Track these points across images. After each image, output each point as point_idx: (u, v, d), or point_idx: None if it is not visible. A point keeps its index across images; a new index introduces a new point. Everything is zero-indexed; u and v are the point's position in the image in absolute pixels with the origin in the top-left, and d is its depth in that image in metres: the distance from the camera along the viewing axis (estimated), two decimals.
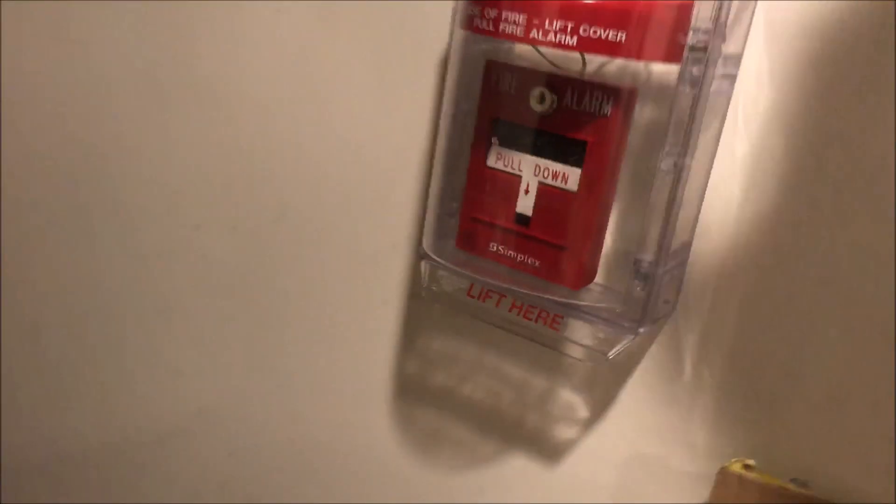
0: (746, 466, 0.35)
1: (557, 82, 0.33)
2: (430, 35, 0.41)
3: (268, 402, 0.54)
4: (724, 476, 0.36)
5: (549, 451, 0.43)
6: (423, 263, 0.39)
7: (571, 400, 0.42)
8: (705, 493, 0.39)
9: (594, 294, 0.35)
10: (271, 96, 0.47)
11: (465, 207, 0.37)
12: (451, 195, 0.38)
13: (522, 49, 0.35)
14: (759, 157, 0.34)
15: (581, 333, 0.36)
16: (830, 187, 0.33)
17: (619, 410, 0.41)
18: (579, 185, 0.33)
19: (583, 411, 0.42)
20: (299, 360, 0.52)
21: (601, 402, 0.41)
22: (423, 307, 0.46)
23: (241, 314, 0.53)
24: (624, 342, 0.35)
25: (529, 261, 0.35)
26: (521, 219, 0.35)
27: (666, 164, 0.32)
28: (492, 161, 0.35)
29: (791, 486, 0.35)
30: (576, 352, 0.36)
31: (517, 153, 0.35)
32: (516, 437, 0.44)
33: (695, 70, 0.31)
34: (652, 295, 0.34)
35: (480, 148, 0.35)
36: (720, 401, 0.37)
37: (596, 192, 0.33)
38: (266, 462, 0.56)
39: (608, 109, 0.32)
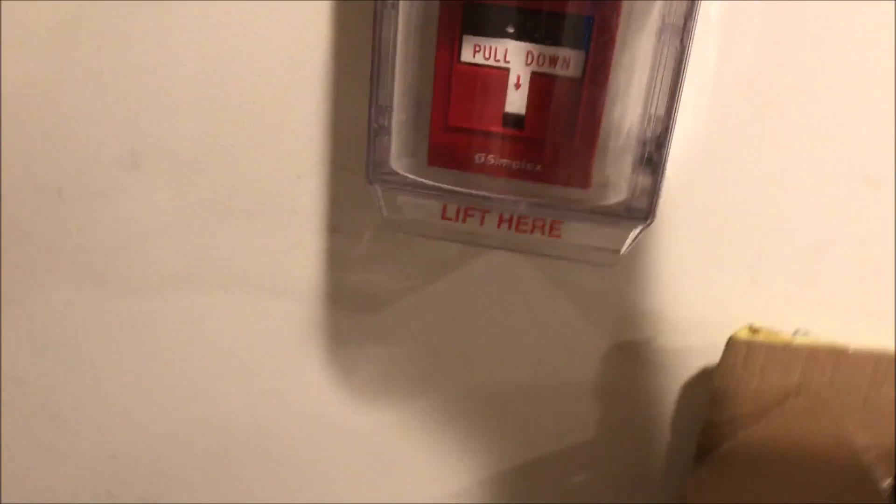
0: (753, 330, 0.35)
1: None
2: None
3: (154, 385, 0.45)
4: (732, 345, 0.35)
5: (523, 362, 0.41)
6: (377, 189, 0.33)
7: (542, 305, 0.39)
8: (699, 366, 0.38)
9: (599, 190, 0.32)
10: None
11: (437, 116, 0.31)
12: (404, 104, 0.32)
13: None
14: (734, 15, 0.32)
15: (584, 235, 0.33)
16: (807, 41, 0.32)
17: (596, 305, 0.39)
18: (585, 69, 0.29)
19: (557, 313, 0.39)
20: (188, 329, 0.43)
21: (577, 301, 0.39)
22: (347, 242, 0.39)
23: (89, 291, 0.43)
24: (634, 235, 0.32)
25: (529, 166, 0.31)
26: (513, 119, 0.30)
27: (670, 28, 0.29)
28: (467, 55, 0.29)
29: (795, 339, 0.35)
30: (584, 255, 0.33)
31: (501, 41, 0.29)
32: (483, 357, 0.41)
33: None
34: (659, 180, 0.31)
35: (448, 40, 0.29)
36: (708, 272, 0.37)
37: (604, 74, 0.29)
38: (164, 457, 0.47)
39: None
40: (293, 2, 0.34)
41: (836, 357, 0.35)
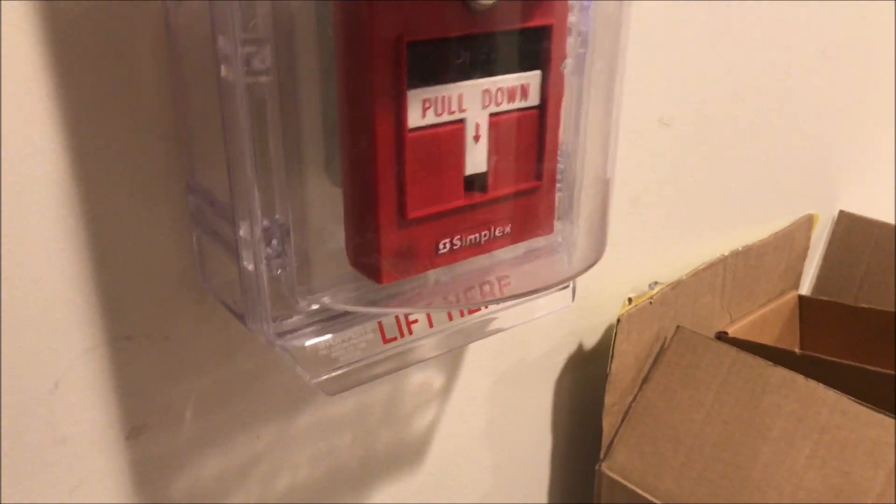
0: (629, 301, 0.35)
1: None
2: None
3: None
4: (622, 325, 0.34)
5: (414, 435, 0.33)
6: (283, 348, 0.22)
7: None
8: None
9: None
10: None
11: (384, 213, 0.21)
12: (301, 211, 0.21)
13: None
14: None
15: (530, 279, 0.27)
16: None
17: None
18: (542, 92, 0.22)
19: None
20: None
21: None
22: (155, 441, 0.26)
23: None
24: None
25: (498, 231, 0.23)
26: (475, 182, 0.22)
27: (581, 30, 0.24)
28: (416, 117, 0.20)
29: (652, 291, 0.36)
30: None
31: (454, 85, 0.20)
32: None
33: None
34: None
35: (389, 102, 0.20)
36: None
37: (560, 91, 0.23)
38: None
39: None
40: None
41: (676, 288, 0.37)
